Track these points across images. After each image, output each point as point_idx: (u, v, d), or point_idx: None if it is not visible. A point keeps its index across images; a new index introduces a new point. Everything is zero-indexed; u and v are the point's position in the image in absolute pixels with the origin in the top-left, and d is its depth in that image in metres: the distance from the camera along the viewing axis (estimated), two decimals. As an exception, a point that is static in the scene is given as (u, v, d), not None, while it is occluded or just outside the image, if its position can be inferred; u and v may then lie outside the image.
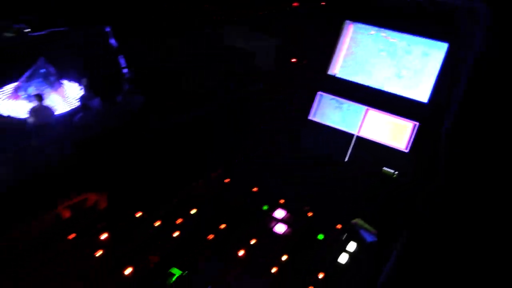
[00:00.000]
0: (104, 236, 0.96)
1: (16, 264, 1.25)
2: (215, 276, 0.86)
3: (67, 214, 1.07)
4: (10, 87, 1.50)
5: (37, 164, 1.22)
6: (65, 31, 1.39)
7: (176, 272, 0.83)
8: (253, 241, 0.93)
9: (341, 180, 1.19)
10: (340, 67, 1.20)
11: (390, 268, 1.13)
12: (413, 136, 1.17)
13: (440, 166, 1.39)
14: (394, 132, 1.11)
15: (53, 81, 1.48)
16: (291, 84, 1.18)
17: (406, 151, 1.15)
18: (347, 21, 1.26)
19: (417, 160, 1.18)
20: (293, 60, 1.13)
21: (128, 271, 0.82)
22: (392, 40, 1.24)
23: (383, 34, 1.23)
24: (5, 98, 1.46)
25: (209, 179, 1.09)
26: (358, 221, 1.11)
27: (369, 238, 1.04)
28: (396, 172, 1.22)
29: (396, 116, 1.18)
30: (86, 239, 1.00)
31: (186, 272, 0.80)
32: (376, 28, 1.22)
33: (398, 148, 1.12)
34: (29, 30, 1.26)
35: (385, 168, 1.23)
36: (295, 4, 1.20)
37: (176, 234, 0.89)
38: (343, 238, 0.98)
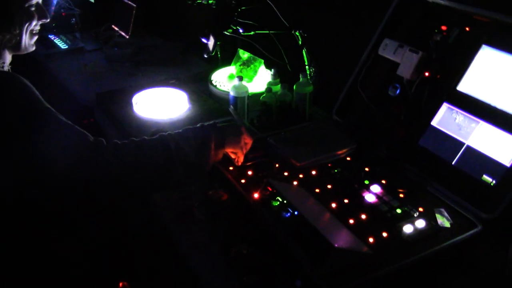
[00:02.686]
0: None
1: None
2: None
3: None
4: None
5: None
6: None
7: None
8: (345, 200, 1.16)
9: (444, 180, 1.26)
10: (468, 85, 1.28)
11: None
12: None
13: None
14: (501, 147, 1.15)
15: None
16: (422, 93, 1.28)
17: (508, 166, 1.13)
18: (484, 45, 1.30)
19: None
20: (427, 73, 1.23)
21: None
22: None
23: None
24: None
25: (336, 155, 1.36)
26: (439, 210, 1.18)
27: (439, 223, 1.12)
28: None
29: (507, 133, 1.17)
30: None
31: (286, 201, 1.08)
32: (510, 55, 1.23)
33: (501, 162, 1.13)
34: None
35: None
36: (443, 27, 1.22)
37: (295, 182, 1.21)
38: (415, 214, 1.10)
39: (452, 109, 1.36)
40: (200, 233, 1.31)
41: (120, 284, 1.69)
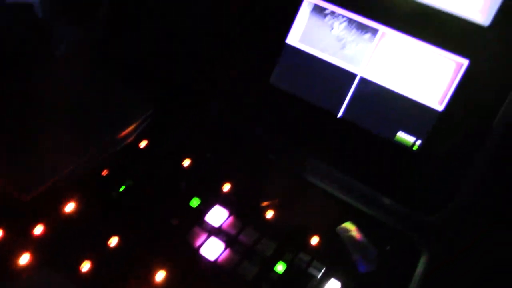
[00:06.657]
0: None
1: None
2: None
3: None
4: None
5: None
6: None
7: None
8: (161, 274, 0.54)
9: (329, 150, 0.70)
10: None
11: None
12: (455, 83, 0.67)
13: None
14: (424, 74, 0.61)
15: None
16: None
17: (440, 109, 0.66)
18: None
19: (456, 126, 0.66)
20: None
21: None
22: None
23: None
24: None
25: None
26: (347, 227, 0.66)
27: (363, 264, 0.61)
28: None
29: (432, 45, 0.65)
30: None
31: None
32: None
33: (427, 104, 0.63)
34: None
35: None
36: None
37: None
38: (318, 274, 0.57)
39: (324, 8, 0.66)
40: None
41: None
